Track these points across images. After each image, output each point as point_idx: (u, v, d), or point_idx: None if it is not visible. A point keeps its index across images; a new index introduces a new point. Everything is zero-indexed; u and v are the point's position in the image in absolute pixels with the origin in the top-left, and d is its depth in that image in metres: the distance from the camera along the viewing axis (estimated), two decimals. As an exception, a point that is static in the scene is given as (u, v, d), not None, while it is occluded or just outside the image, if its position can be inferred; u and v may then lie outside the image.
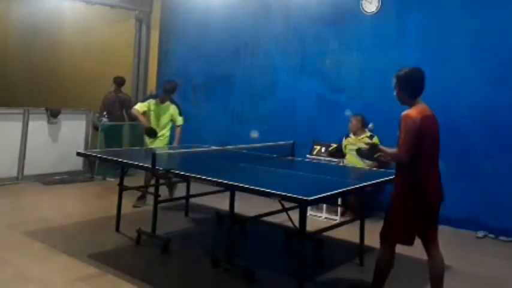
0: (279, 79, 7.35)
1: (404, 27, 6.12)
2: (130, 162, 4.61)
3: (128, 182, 5.04)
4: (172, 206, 5.76)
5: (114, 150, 6.66)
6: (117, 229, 4.85)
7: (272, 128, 7.25)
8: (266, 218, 4.64)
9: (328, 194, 3.31)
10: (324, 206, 5.88)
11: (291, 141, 5.34)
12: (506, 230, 5.24)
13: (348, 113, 6.39)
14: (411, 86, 3.16)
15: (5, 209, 5.71)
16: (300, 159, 5.40)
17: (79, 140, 7.86)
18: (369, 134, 6.00)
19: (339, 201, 5.53)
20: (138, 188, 5.64)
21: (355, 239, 4.31)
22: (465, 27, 5.64)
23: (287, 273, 3.89)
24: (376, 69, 6.25)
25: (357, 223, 4.25)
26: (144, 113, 6.11)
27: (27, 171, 7.21)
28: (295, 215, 3.88)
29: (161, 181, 5.13)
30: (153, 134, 6.03)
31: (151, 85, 9.05)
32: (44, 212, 5.61)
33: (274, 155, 5.27)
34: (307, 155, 6.24)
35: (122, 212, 4.92)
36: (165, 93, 6.11)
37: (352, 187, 3.70)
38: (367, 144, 5.73)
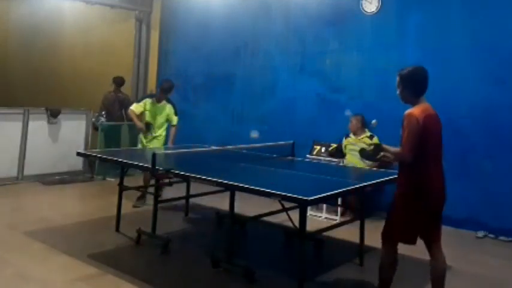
0: (279, 79, 7.35)
1: (404, 27, 6.12)
2: (130, 162, 4.62)
3: (127, 182, 5.04)
4: (172, 206, 5.76)
5: (114, 150, 6.66)
6: (117, 229, 4.85)
7: (272, 128, 7.25)
8: (266, 218, 4.64)
9: (328, 194, 3.31)
10: (324, 206, 5.88)
11: (291, 141, 5.33)
12: (506, 230, 5.24)
13: (348, 113, 6.39)
14: (414, 84, 3.14)
15: (5, 209, 5.71)
16: (300, 159, 5.40)
17: (79, 140, 7.86)
18: (369, 134, 6.00)
19: (339, 201, 5.53)
20: (138, 188, 5.64)
21: (355, 239, 4.31)
22: (465, 27, 5.64)
23: (287, 273, 3.89)
24: (376, 69, 6.25)
25: (357, 223, 4.24)
26: (141, 114, 6.11)
27: (27, 171, 7.21)
28: (295, 215, 3.88)
29: (152, 182, 5.10)
30: (149, 127, 6.04)
31: (151, 85, 9.04)
32: (44, 212, 5.61)
33: (274, 155, 5.27)
34: (307, 155, 6.24)
35: (122, 212, 4.92)
36: (162, 92, 6.09)
37: (352, 187, 3.70)
38: (370, 145, 5.74)
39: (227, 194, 3.95)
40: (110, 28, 9.80)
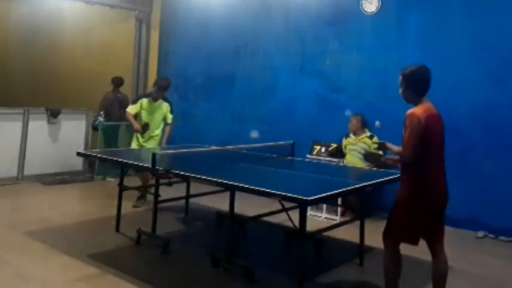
0: (279, 79, 7.35)
1: (404, 27, 6.12)
2: (130, 162, 4.62)
3: (127, 182, 5.04)
4: (172, 206, 5.76)
5: (114, 150, 6.66)
6: (117, 229, 4.85)
7: (272, 128, 7.25)
8: (266, 218, 4.64)
9: (328, 194, 3.31)
10: (324, 206, 5.88)
11: (291, 141, 5.33)
12: (506, 230, 5.24)
13: (348, 113, 6.39)
14: (417, 84, 3.12)
15: (5, 209, 5.71)
16: (300, 159, 5.40)
17: (79, 140, 7.86)
18: (368, 133, 6.00)
19: (339, 201, 5.53)
20: (138, 188, 5.64)
21: (355, 239, 4.31)
22: (465, 27, 5.63)
23: (287, 273, 3.89)
24: (376, 69, 6.25)
25: (357, 223, 4.24)
26: (136, 114, 6.08)
27: (27, 171, 7.21)
28: (295, 215, 3.88)
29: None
30: (146, 128, 6.01)
31: (152, 85, 9.03)
32: (44, 212, 5.61)
33: (274, 155, 5.27)
34: (307, 155, 6.24)
35: (122, 212, 4.92)
36: (160, 90, 6.05)
37: (352, 187, 3.70)
38: (373, 143, 5.72)
39: (227, 194, 3.95)
40: (110, 28, 9.79)
